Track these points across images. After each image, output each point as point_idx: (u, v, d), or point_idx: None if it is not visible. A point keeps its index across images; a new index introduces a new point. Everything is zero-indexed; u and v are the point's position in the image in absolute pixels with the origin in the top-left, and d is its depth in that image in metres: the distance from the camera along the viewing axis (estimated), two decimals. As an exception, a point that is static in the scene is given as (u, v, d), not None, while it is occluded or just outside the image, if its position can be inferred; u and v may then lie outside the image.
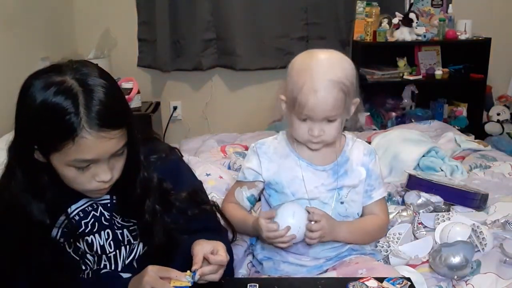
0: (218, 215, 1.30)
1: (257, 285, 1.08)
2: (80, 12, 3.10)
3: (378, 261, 1.35)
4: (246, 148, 2.29)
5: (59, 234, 1.08)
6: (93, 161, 0.96)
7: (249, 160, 1.37)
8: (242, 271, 1.38)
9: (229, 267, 1.28)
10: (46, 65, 1.00)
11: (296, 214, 1.20)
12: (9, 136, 1.02)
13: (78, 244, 1.10)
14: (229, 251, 1.29)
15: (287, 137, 1.35)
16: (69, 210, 1.08)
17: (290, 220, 1.20)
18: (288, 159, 1.31)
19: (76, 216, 1.09)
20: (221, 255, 1.04)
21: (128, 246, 1.15)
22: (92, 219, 1.10)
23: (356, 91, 1.25)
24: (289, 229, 1.19)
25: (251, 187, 1.37)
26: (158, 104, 3.20)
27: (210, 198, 1.31)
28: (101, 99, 0.92)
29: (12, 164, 1.02)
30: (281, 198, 1.31)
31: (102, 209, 1.11)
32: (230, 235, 1.31)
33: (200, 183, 1.29)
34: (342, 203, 1.31)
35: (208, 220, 1.21)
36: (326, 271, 1.29)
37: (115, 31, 3.03)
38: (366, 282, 1.06)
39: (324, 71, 1.19)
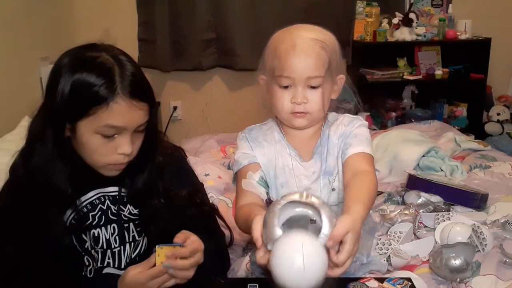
0: (218, 217, 1.30)
1: (257, 285, 1.08)
2: (80, 12, 3.09)
3: (377, 271, 1.31)
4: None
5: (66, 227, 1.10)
6: (120, 130, 1.02)
7: (239, 146, 1.24)
8: (241, 273, 1.38)
9: (224, 272, 1.29)
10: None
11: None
12: (10, 136, 1.02)
13: (84, 236, 1.12)
14: (225, 255, 1.30)
15: (277, 123, 1.25)
16: (78, 202, 1.11)
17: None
18: (278, 145, 1.22)
19: (84, 208, 1.12)
20: (194, 240, 1.02)
21: (132, 243, 1.16)
22: (99, 212, 1.13)
23: (341, 66, 1.19)
24: None
25: (255, 170, 1.19)
26: (158, 104, 3.20)
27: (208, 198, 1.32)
28: (133, 72, 1.03)
29: (35, 139, 1.05)
30: (271, 192, 1.20)
31: (109, 202, 1.14)
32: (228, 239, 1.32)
33: (201, 185, 1.29)
34: (333, 190, 1.18)
35: (205, 221, 1.21)
36: None
37: (115, 31, 3.02)
38: (366, 282, 1.06)
39: (304, 31, 1.15)
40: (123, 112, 1.00)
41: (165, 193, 1.15)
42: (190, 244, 1.01)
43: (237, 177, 1.21)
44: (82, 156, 1.06)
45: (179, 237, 1.02)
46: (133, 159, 1.09)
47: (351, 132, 1.20)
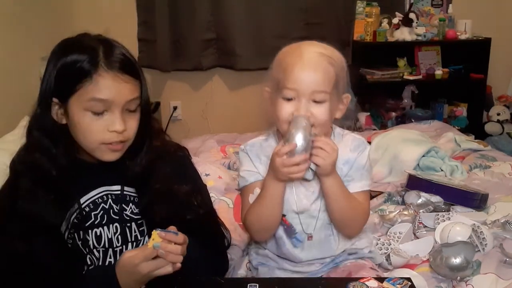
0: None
1: (257, 285, 1.08)
2: (80, 12, 3.09)
3: (377, 264, 1.32)
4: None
5: (69, 226, 1.10)
6: (108, 105, 1.03)
7: (243, 163, 1.26)
8: (241, 272, 1.38)
9: (223, 272, 1.28)
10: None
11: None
12: (10, 136, 1.03)
13: (87, 236, 1.12)
14: (224, 257, 1.29)
15: (277, 137, 1.24)
16: (80, 201, 1.11)
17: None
18: None
19: (87, 207, 1.12)
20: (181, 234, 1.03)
21: (134, 243, 1.16)
22: (102, 211, 1.13)
23: (347, 86, 1.18)
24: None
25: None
26: (158, 104, 3.20)
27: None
28: (120, 49, 1.08)
29: (29, 131, 1.10)
30: None
31: (111, 201, 1.14)
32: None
33: (204, 186, 1.28)
34: None
35: (202, 226, 1.19)
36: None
37: (115, 31, 3.00)
38: (366, 282, 1.06)
39: (313, 46, 1.15)
40: (108, 85, 1.02)
41: (165, 180, 1.14)
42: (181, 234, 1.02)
43: (244, 192, 1.25)
44: (79, 141, 1.07)
45: (172, 227, 1.02)
46: (129, 145, 1.09)
47: (356, 160, 1.20)
